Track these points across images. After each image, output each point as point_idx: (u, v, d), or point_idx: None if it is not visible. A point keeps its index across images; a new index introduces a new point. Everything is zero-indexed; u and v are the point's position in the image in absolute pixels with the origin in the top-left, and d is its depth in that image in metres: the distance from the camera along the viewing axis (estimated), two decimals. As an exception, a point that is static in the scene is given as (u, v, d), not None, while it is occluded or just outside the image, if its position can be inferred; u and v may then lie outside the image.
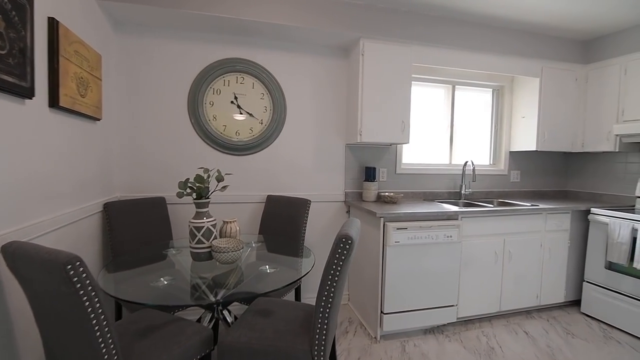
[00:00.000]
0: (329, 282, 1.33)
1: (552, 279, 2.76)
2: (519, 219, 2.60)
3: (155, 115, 2.39)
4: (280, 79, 2.62)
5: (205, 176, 1.75)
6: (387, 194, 2.73)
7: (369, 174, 2.74)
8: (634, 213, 2.51)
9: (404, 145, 2.98)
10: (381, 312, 2.27)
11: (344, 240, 1.31)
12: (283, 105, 2.63)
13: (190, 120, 2.45)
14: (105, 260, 2.12)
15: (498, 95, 3.29)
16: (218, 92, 2.48)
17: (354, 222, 1.50)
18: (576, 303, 2.92)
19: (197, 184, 1.70)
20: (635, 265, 2.35)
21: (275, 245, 2.14)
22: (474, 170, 2.87)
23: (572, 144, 3.11)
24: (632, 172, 2.97)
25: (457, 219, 2.40)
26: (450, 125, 3.16)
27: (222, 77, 2.48)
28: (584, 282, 2.76)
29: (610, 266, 2.57)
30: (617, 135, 2.74)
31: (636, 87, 2.68)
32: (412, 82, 2.88)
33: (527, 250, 2.65)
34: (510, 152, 3.30)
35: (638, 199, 2.84)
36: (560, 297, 2.80)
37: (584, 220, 2.84)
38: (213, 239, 1.71)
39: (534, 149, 3.00)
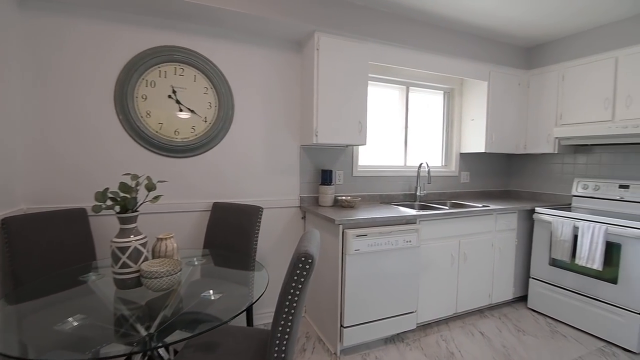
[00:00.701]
0: (287, 308, 1.13)
1: (502, 277, 2.83)
2: (473, 221, 2.62)
3: (71, 111, 1.99)
4: (227, 72, 2.35)
5: (133, 184, 1.45)
6: (344, 198, 2.59)
7: (326, 177, 2.58)
8: (571, 211, 2.67)
9: (360, 147, 2.87)
10: (341, 325, 2.12)
11: (303, 259, 1.11)
12: (230, 102, 2.37)
13: (118, 117, 2.08)
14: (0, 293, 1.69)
15: (449, 98, 3.34)
16: (152, 85, 2.15)
17: (313, 236, 1.31)
18: (523, 299, 3.05)
19: (122, 194, 1.39)
20: (577, 261, 2.47)
21: (223, 260, 1.88)
22: (429, 172, 2.85)
23: (516, 146, 3.25)
24: (567, 173, 3.18)
25: (415, 223, 2.34)
26: (405, 126, 3.12)
27: (157, 67, 2.15)
28: (530, 279, 2.88)
29: (554, 262, 2.69)
30: (556, 138, 2.89)
31: (572, 93, 2.85)
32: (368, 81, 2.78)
33: (480, 251, 2.68)
34: (461, 153, 3.37)
35: (574, 197, 3.04)
36: (509, 294, 2.89)
37: (529, 219, 2.96)
38: (143, 261, 1.41)
39: (483, 151, 3.07)
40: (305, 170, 2.65)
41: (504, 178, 3.68)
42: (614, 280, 2.33)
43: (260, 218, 2.18)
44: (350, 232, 2.05)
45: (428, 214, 2.38)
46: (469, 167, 3.43)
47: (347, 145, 2.72)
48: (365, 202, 2.86)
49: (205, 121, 2.30)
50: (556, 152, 2.99)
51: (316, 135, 2.31)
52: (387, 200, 2.99)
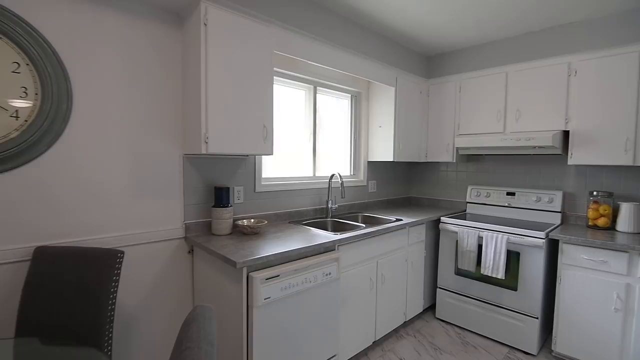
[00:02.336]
0: None
1: (415, 291, 2.72)
2: (389, 238, 2.40)
3: None
4: (60, 42, 1.52)
5: None
6: (245, 223, 2.03)
7: (221, 197, 1.97)
8: (466, 218, 2.73)
9: (263, 157, 2.35)
10: (248, 401, 1.58)
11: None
12: (65, 89, 1.54)
13: None
14: None
15: (356, 102, 3.11)
16: None
17: (203, 324, 0.75)
18: (432, 307, 3.03)
19: None
20: (482, 271, 2.50)
21: None
22: (342, 184, 2.53)
23: (419, 155, 3.23)
24: (461, 180, 3.32)
25: (335, 250, 1.96)
26: (313, 132, 2.74)
27: None
28: (438, 289, 2.86)
29: (460, 272, 2.71)
30: (457, 147, 2.94)
31: (468, 104, 2.94)
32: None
33: (396, 269, 2.49)
34: (369, 162, 3.18)
35: (468, 204, 3.18)
36: (419, 307, 2.81)
37: (435, 229, 2.95)
38: None
39: (392, 160, 2.93)
40: (192, 189, 1.98)
41: (406, 185, 3.68)
42: (514, 287, 2.41)
43: (120, 266, 1.45)
44: (258, 276, 1.52)
45: (348, 237, 2.03)
46: (376, 175, 3.28)
47: (247, 155, 2.17)
48: (271, 224, 2.35)
49: (17, 117, 1.43)
50: (454, 161, 3.06)
51: (206, 143, 1.69)
52: (297, 218, 2.55)
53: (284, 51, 2.07)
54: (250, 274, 1.53)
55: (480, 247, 2.55)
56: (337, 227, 2.56)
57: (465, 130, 2.97)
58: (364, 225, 2.33)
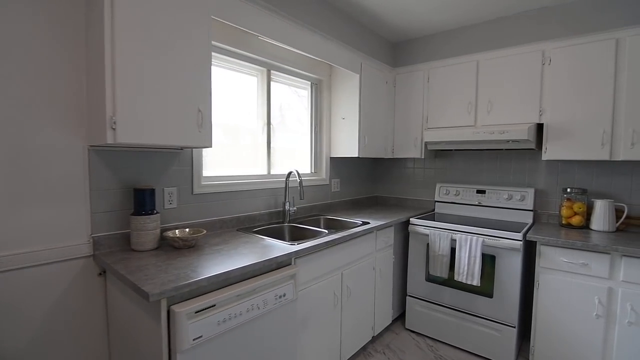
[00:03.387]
0: None
1: (383, 302, 2.44)
2: (355, 245, 2.09)
3: None
4: None
5: None
6: (178, 233, 1.61)
7: (143, 202, 1.53)
8: (434, 218, 2.50)
9: (204, 150, 1.93)
10: None
11: None
12: None
13: None
14: None
15: (317, 91, 2.77)
16: None
17: None
18: (401, 316, 2.77)
19: None
20: (456, 277, 2.27)
21: None
22: (301, 183, 2.17)
23: (385, 150, 2.97)
24: (429, 177, 3.11)
25: (291, 265, 1.60)
26: (267, 124, 2.35)
27: None
28: (408, 297, 2.60)
29: (431, 278, 2.47)
30: (426, 142, 2.71)
31: (437, 95, 2.72)
32: (214, 57, 1.87)
33: (363, 279, 2.19)
34: (331, 158, 2.86)
35: (437, 202, 2.97)
36: (388, 318, 2.53)
37: (404, 230, 2.69)
38: None
39: (356, 156, 2.63)
40: (103, 192, 1.52)
41: (371, 184, 3.41)
42: (489, 294, 2.21)
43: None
44: (184, 310, 1.12)
45: (308, 247, 1.67)
46: (339, 173, 2.97)
47: (182, 148, 1.74)
48: (214, 233, 1.93)
49: None
50: (422, 157, 2.83)
51: (113, 129, 1.25)
52: (248, 224, 2.15)
53: (227, 18, 1.67)
54: (172, 307, 1.12)
55: (453, 250, 2.32)
56: (296, 234, 2.21)
57: (434, 124, 2.74)
58: (326, 232, 1.99)
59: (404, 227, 2.68)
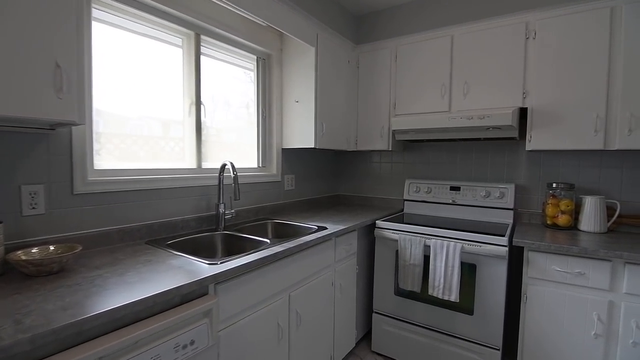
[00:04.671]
0: None
1: (345, 323, 2.01)
2: (308, 257, 1.64)
3: None
4: None
5: None
6: (30, 255, 1.07)
7: (-35, 207, 0.97)
8: (404, 220, 2.12)
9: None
10: None
11: None
12: None
13: None
14: None
15: (265, 68, 2.29)
16: None
17: None
18: (367, 336, 2.36)
19: None
20: (431, 292, 1.89)
21: None
22: (236, 178, 1.68)
23: (347, 141, 2.55)
24: (398, 173, 2.73)
25: (208, 294, 1.11)
26: (196, 104, 1.84)
27: None
28: (374, 313, 2.20)
29: (401, 292, 2.07)
30: (394, 130, 2.31)
31: (406, 76, 2.33)
32: (111, 11, 1.33)
33: (318, 299, 1.74)
34: (284, 149, 2.39)
35: (406, 202, 2.60)
36: (352, 341, 2.11)
37: (369, 235, 2.28)
38: None
39: (313, 146, 2.18)
40: None
41: (333, 181, 2.99)
42: (469, 310, 1.85)
43: None
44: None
45: (235, 266, 1.19)
46: (294, 168, 2.51)
47: (52, 127, 1.19)
48: (108, 249, 1.39)
49: None
50: (390, 149, 2.44)
51: None
52: (167, 233, 1.63)
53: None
54: None
55: (427, 258, 1.94)
56: (232, 246, 1.72)
57: (404, 110, 2.36)
58: (268, 242, 1.52)
59: (370, 231, 2.28)
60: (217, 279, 1.12)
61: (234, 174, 1.66)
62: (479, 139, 2.22)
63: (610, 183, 1.98)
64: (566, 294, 1.62)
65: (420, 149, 2.61)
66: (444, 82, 2.17)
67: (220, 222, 1.79)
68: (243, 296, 1.26)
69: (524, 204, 2.22)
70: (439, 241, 1.87)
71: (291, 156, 2.46)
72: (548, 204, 2.01)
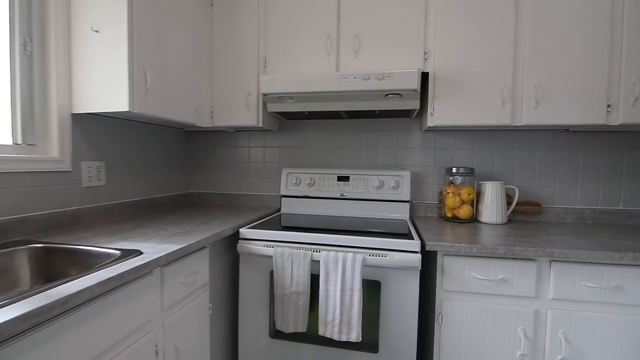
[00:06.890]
0: None
1: (189, 406, 1.20)
2: (95, 316, 0.76)
3: None
4: None
5: None
6: None
7: None
8: (280, 226, 1.49)
9: None
10: None
11: None
12: None
13: None
14: None
15: (27, -36, 1.24)
16: None
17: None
18: (227, 403, 1.59)
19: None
20: (322, 331, 1.27)
21: None
22: None
23: (196, 112, 1.71)
24: (273, 160, 2.06)
25: None
26: None
27: None
28: (239, 368, 1.46)
29: (279, 333, 1.40)
30: (264, 95, 1.61)
31: (280, 24, 1.67)
32: None
33: (121, 397, 0.88)
34: (74, 115, 1.38)
35: (284, 198, 1.95)
36: (204, 422, 1.31)
37: (230, 252, 1.52)
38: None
39: (127, 109, 1.27)
40: None
41: (181, 173, 2.09)
42: (373, 347, 1.31)
43: None
44: None
45: None
46: (102, 150, 1.52)
47: None
48: None
49: None
50: (260, 125, 1.74)
51: None
52: None
53: None
54: None
55: (315, 278, 1.32)
56: None
57: (277, 69, 1.69)
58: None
59: (232, 246, 1.52)
60: None
61: None
62: (373, 114, 1.74)
63: (504, 167, 1.77)
64: (488, 308, 1.24)
65: (300, 128, 2.00)
66: (330, 34, 1.60)
67: None
68: None
69: (419, 195, 1.87)
70: (331, 253, 1.27)
71: (95, 129, 1.46)
72: (447, 193, 1.68)
